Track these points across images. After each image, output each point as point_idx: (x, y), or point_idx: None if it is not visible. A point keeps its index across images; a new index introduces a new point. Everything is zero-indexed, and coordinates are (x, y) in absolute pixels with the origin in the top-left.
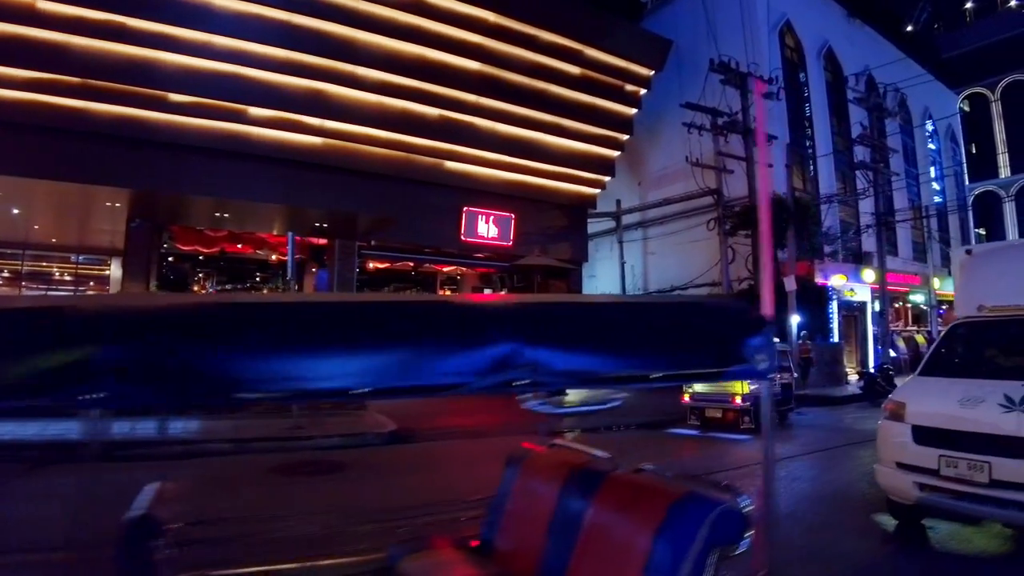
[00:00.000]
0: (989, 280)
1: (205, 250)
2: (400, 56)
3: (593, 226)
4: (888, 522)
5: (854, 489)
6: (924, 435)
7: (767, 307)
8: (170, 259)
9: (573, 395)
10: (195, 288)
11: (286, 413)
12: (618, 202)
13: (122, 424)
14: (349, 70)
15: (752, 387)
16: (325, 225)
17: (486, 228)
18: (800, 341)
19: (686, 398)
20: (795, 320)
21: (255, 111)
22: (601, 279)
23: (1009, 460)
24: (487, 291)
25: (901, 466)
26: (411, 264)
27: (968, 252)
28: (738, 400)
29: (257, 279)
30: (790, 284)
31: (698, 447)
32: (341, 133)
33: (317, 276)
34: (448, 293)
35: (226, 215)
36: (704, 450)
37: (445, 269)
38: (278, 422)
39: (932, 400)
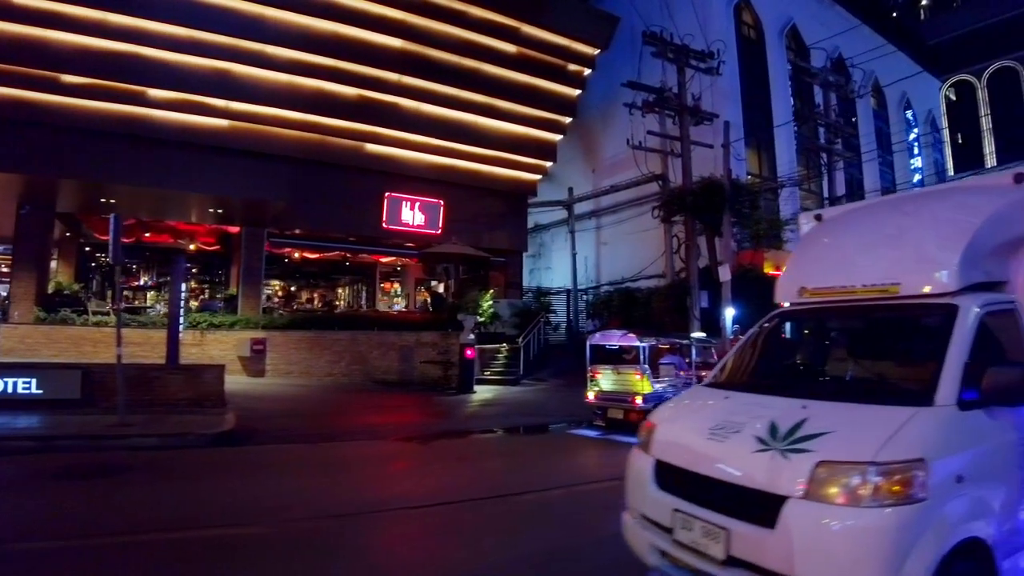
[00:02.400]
0: (821, 253)
1: (125, 240)
2: (313, 33)
3: (547, 216)
4: None
5: None
6: (666, 476)
7: None
8: (87, 249)
9: None
10: (121, 279)
11: (112, 410)
12: (570, 190)
13: None
14: (257, 48)
15: (656, 386)
16: (220, 211)
17: (411, 215)
18: (732, 336)
19: (590, 397)
20: (730, 313)
21: (155, 92)
22: (557, 271)
23: (750, 527)
24: (433, 283)
25: (644, 518)
26: (346, 254)
27: (818, 217)
28: (639, 400)
29: (194, 271)
30: (724, 274)
31: (583, 451)
32: (249, 115)
33: (175, 262)
34: (393, 287)
35: (112, 201)
36: (580, 455)
37: (384, 260)
38: (102, 419)
39: (686, 423)
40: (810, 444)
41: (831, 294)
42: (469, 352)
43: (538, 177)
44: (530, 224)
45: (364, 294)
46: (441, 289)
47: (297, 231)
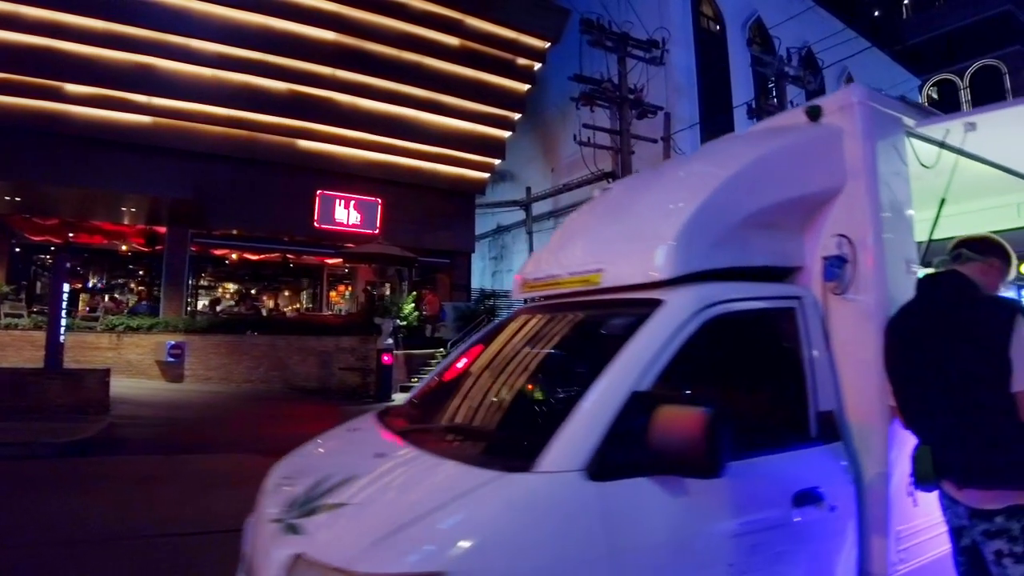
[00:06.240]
0: (559, 235)
1: (56, 240)
2: (240, 26)
3: (509, 217)
4: None
5: None
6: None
7: None
8: (17, 250)
9: None
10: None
11: None
12: (528, 189)
13: None
14: (181, 42)
15: None
16: (134, 210)
17: (346, 214)
18: None
19: None
20: None
21: (72, 88)
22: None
23: None
24: (387, 286)
25: None
26: (287, 255)
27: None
28: None
29: (140, 273)
30: None
31: None
32: (173, 111)
33: (57, 259)
34: (347, 289)
35: (18, 199)
36: None
37: (330, 261)
38: None
39: (289, 462)
40: (313, 520)
41: (542, 287)
42: (386, 358)
43: (486, 175)
44: (492, 225)
45: (317, 297)
46: (388, 292)
47: (234, 231)
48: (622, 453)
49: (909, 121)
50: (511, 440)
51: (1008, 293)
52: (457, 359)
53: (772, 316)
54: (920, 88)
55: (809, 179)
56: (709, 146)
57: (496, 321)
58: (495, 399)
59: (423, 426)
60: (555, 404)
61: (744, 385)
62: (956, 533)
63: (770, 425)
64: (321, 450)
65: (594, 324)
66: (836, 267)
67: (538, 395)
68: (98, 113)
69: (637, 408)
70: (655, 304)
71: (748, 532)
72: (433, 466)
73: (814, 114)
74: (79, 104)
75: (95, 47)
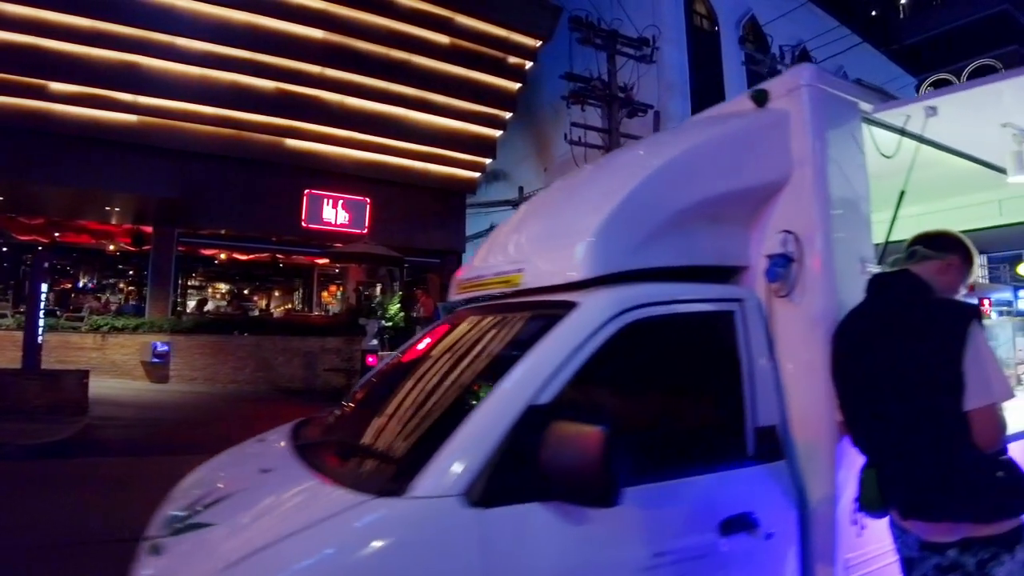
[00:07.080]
0: (503, 231)
1: (43, 239)
2: (227, 24)
3: (503, 216)
4: None
5: None
6: None
7: None
8: (4, 250)
9: None
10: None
11: None
12: (520, 189)
13: None
14: (167, 40)
15: None
16: (119, 209)
17: (334, 214)
18: None
19: None
20: None
21: (57, 86)
22: None
23: None
24: (379, 287)
25: None
26: (277, 255)
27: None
28: None
29: (130, 274)
30: None
31: None
32: (158, 109)
33: (36, 259)
34: (339, 290)
35: (0, 198)
36: None
37: (320, 261)
38: None
39: (199, 472)
40: (175, 541)
41: (472, 288)
42: (371, 359)
43: (477, 175)
44: (485, 225)
45: (308, 298)
46: (378, 292)
47: (222, 231)
48: (513, 476)
49: (866, 106)
50: (395, 460)
51: (1005, 295)
52: (384, 367)
53: (707, 321)
54: (917, 88)
55: (753, 170)
56: (655, 135)
57: (430, 326)
58: (396, 414)
59: (319, 440)
60: (451, 420)
61: (670, 398)
62: (907, 564)
63: (698, 443)
64: (223, 462)
65: (507, 329)
66: (780, 266)
67: (438, 410)
68: (83, 112)
69: (533, 425)
70: (569, 307)
71: (662, 564)
72: (307, 487)
73: (760, 99)
74: (64, 103)
75: (80, 45)
